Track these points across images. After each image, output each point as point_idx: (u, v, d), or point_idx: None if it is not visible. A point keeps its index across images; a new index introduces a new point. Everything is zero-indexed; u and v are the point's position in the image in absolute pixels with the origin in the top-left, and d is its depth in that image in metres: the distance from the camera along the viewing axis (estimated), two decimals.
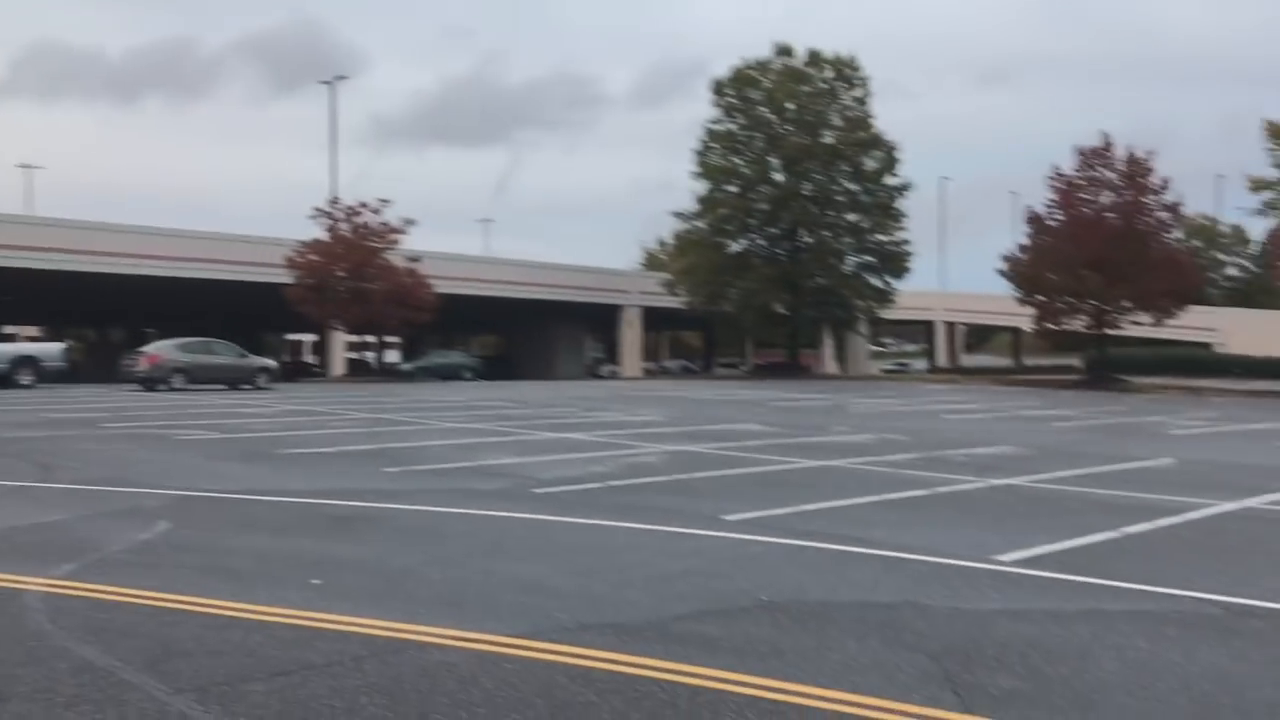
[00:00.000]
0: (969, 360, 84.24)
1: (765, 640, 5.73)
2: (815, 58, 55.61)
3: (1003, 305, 57.95)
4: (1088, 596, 6.99)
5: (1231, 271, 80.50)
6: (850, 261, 56.09)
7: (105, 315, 66.56)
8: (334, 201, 48.65)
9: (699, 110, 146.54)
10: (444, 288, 48.19)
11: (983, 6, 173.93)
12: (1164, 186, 44.20)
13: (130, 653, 5.29)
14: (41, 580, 6.85)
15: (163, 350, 34.97)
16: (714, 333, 74.91)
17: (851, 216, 55.48)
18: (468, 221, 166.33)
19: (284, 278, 45.28)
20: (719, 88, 56.41)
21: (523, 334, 65.57)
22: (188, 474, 12.49)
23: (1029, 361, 77.74)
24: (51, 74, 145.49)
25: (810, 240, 55.35)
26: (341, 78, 62.68)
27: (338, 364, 56.06)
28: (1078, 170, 44.84)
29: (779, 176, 54.94)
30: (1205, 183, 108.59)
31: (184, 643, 5.49)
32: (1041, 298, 45.04)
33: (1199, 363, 53.42)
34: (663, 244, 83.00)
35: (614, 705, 4.63)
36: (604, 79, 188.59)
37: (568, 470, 13.26)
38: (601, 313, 63.80)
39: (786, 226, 55.09)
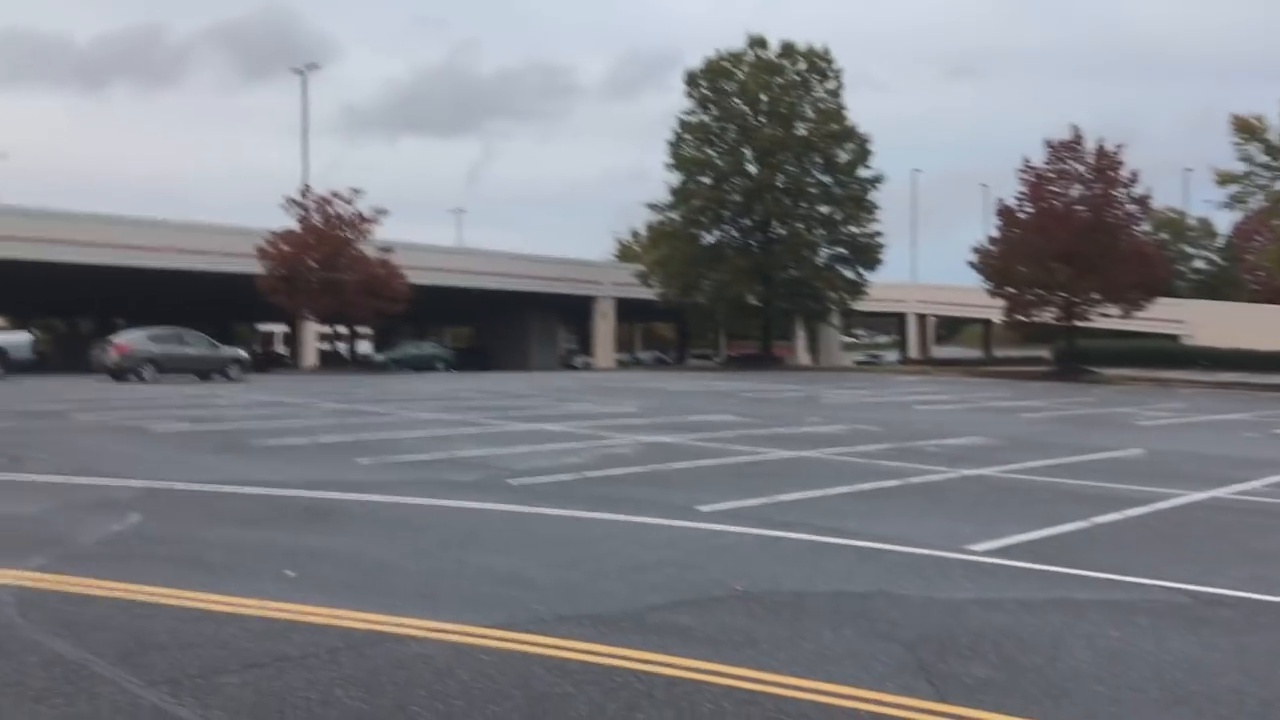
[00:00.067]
0: (940, 352, 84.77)
1: (741, 630, 5.75)
2: (788, 49, 55.66)
3: (974, 297, 58.30)
4: (1059, 586, 7.05)
5: (1199, 264, 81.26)
6: (823, 253, 56.23)
7: (73, 305, 65.79)
8: (305, 191, 48.37)
9: (672, 101, 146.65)
10: (417, 278, 47.99)
11: (954, 0, 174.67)
12: (1133, 180, 44.64)
13: (102, 645, 5.25)
14: (11, 573, 6.77)
15: (132, 340, 34.64)
16: (687, 324, 74.91)
17: (824, 208, 55.63)
18: (440, 212, 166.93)
19: (255, 268, 44.98)
20: (692, 79, 56.37)
21: (496, 325, 65.42)
22: (159, 465, 12.39)
23: (999, 353, 78.32)
24: (18, 61, 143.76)
25: (783, 232, 55.44)
26: (313, 66, 61.97)
27: (309, 355, 55.67)
28: (1048, 163, 45.19)
29: (752, 168, 54.99)
30: (1173, 176, 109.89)
31: (157, 635, 5.45)
32: (1012, 290, 45.36)
33: (1166, 354, 53.96)
34: (636, 235, 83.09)
35: (591, 696, 4.64)
36: (576, 69, 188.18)
37: (542, 461, 13.25)
38: (575, 304, 63.73)
39: (760, 218, 55.17)
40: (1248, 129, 37.31)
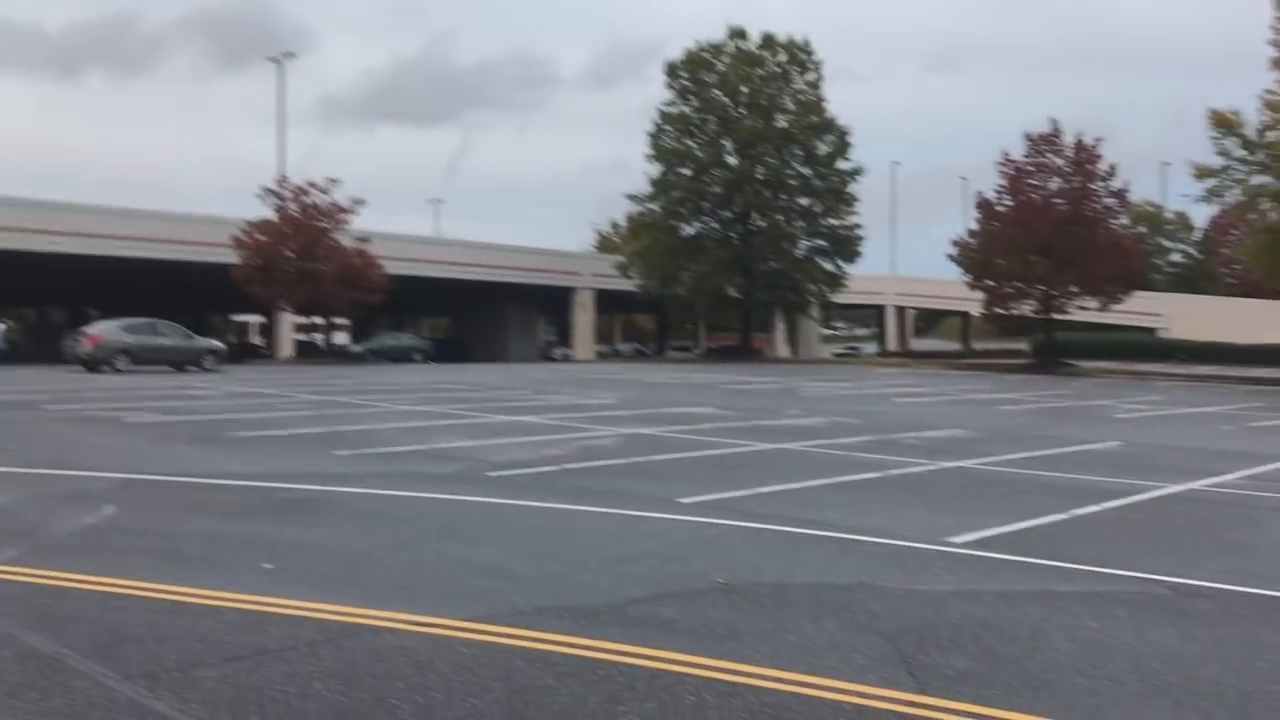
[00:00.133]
0: (919, 344, 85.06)
1: (722, 622, 5.74)
2: (769, 41, 55.68)
3: (952, 290, 58.55)
4: (1038, 578, 7.07)
5: (1175, 257, 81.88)
6: (802, 245, 56.34)
7: (46, 295, 65.20)
8: (282, 181, 48.06)
9: (652, 93, 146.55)
10: (394, 269, 47.76)
11: None
12: (1111, 173, 44.95)
13: (77, 639, 5.19)
14: None
15: (106, 331, 34.36)
16: (667, 316, 74.94)
17: (804, 200, 55.73)
18: (418, 202, 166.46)
19: (231, 258, 44.65)
20: (672, 70, 56.33)
21: (474, 316, 65.16)
22: (134, 457, 12.28)
23: (977, 346, 78.69)
24: None
25: (763, 224, 55.51)
26: (290, 55, 61.74)
27: (285, 346, 55.40)
28: (1027, 157, 45.42)
29: (732, 160, 55.03)
30: (1151, 170, 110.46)
31: (133, 628, 5.39)
32: (990, 282, 45.57)
33: (1143, 347, 54.39)
34: (616, 226, 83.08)
35: (572, 688, 4.61)
36: (556, 60, 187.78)
37: (521, 453, 13.21)
38: (554, 295, 63.58)
39: (739, 210, 55.21)
40: (1225, 123, 37.50)
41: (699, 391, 26.81)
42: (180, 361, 34.39)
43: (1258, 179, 38.37)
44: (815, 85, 55.96)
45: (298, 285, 45.26)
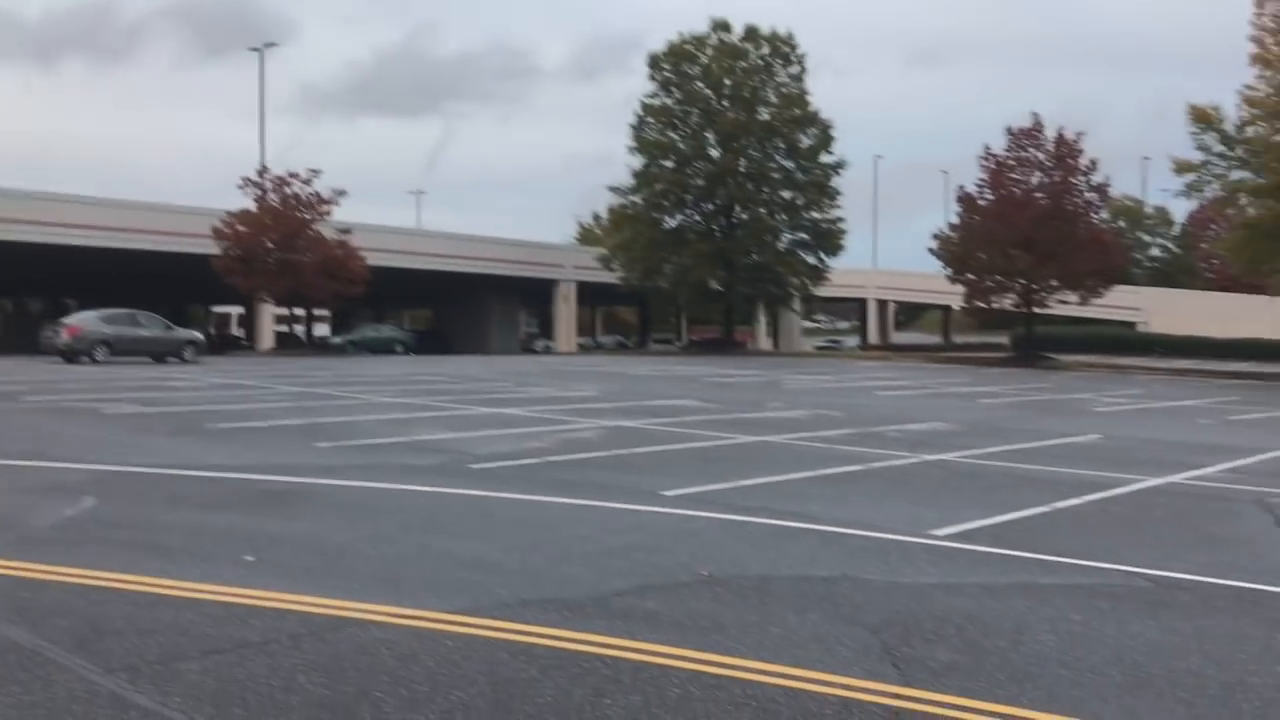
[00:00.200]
0: (900, 338, 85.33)
1: (707, 615, 5.74)
2: (752, 33, 55.60)
3: (934, 283, 58.65)
4: (1021, 570, 7.10)
5: (1155, 252, 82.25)
6: (785, 238, 56.31)
7: (23, 285, 64.65)
8: (263, 171, 47.75)
9: (635, 84, 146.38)
10: (375, 260, 47.56)
11: None
12: (1092, 168, 45.07)
13: (58, 632, 5.14)
14: None
15: (85, 322, 34.12)
16: (649, 308, 74.93)
17: (786, 193, 55.69)
18: (400, 193, 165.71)
19: (211, 249, 44.38)
20: (655, 62, 56.19)
21: (456, 308, 65.00)
22: (114, 449, 12.20)
23: (958, 339, 78.95)
24: None
25: (745, 217, 55.46)
26: (271, 44, 61.52)
27: (266, 337, 55.09)
28: (1008, 151, 45.50)
29: (715, 152, 54.94)
30: (1131, 165, 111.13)
31: (114, 621, 5.36)
32: (971, 276, 45.66)
33: (1123, 341, 54.68)
34: (598, 219, 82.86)
35: (557, 682, 4.60)
36: (538, 51, 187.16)
37: (504, 446, 13.18)
38: (536, 287, 63.48)
39: (722, 203, 55.16)
40: (1204, 119, 37.70)
41: (681, 384, 26.82)
42: (160, 353, 34.15)
43: (1237, 174, 38.63)
44: (798, 78, 55.93)
45: (278, 276, 45.03)
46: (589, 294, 67.28)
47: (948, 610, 5.94)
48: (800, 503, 9.38)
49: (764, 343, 69.16)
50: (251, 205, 46.07)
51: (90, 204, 45.92)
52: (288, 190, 46.53)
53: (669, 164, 55.08)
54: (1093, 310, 49.20)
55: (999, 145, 45.61)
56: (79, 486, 9.50)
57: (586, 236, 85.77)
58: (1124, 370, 41.02)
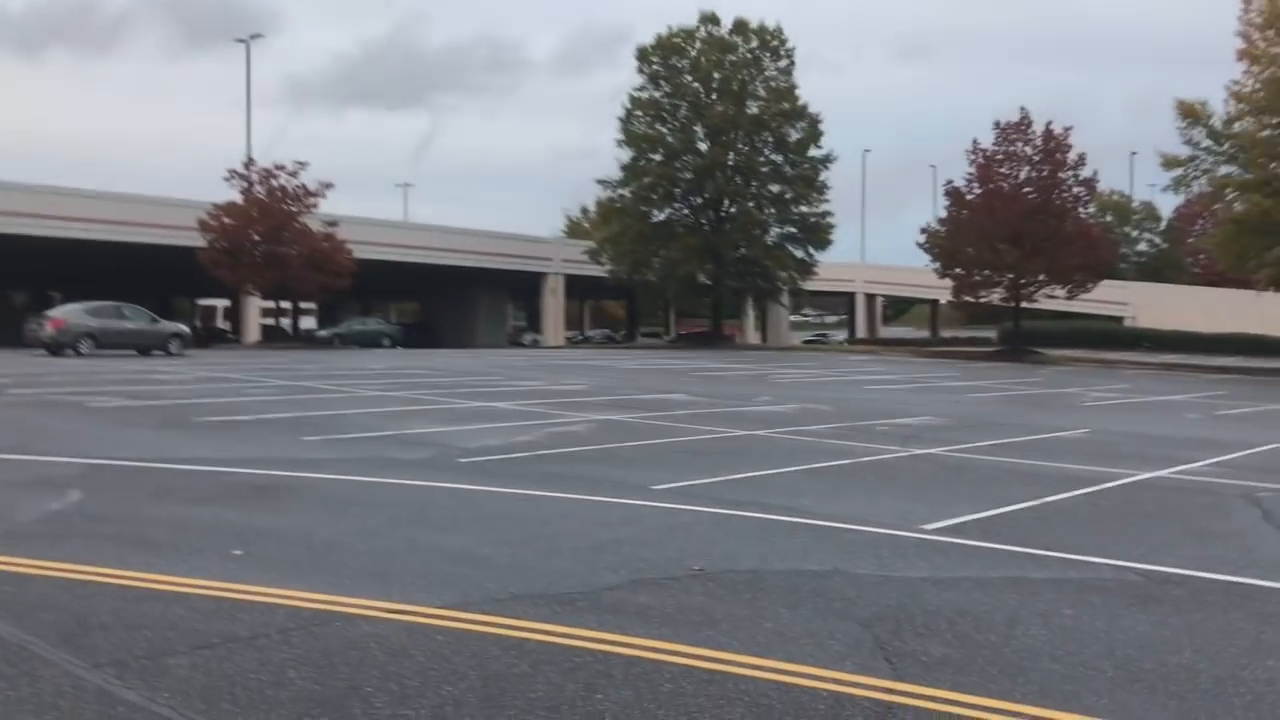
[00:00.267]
0: (887, 332, 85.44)
1: (699, 609, 5.71)
2: (740, 27, 55.60)
3: (922, 278, 58.79)
4: (1012, 565, 7.10)
5: (1142, 247, 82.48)
6: (773, 232, 56.41)
7: (7, 278, 64.21)
8: (249, 163, 47.59)
9: (624, 78, 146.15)
10: (363, 253, 47.44)
11: None
12: (1079, 162, 45.18)
13: (44, 627, 5.09)
14: None
15: (70, 314, 33.93)
16: (637, 302, 74.91)
17: (775, 187, 55.77)
18: (387, 186, 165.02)
19: (197, 241, 44.19)
20: (644, 55, 56.14)
21: (444, 301, 64.84)
22: (100, 442, 12.12)
23: (946, 333, 79.05)
24: None
25: (734, 210, 55.51)
26: (257, 36, 61.22)
27: (252, 330, 54.90)
28: (996, 145, 45.58)
29: (703, 146, 54.95)
30: (1119, 159, 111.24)
31: (101, 616, 5.31)
32: (959, 270, 45.76)
33: (1110, 336, 54.89)
34: (586, 212, 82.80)
35: (549, 676, 4.57)
36: (526, 43, 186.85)
37: (493, 439, 13.13)
38: (524, 280, 63.36)
39: (711, 196, 55.16)
40: (1192, 114, 37.79)
41: (670, 378, 26.80)
42: (145, 346, 34.00)
43: (1224, 169, 38.72)
44: (787, 72, 55.97)
45: (265, 269, 44.86)
46: (577, 287, 67.19)
47: (939, 604, 5.93)
48: (791, 497, 9.36)
49: (752, 337, 69.24)
50: (237, 197, 45.90)
51: (74, 196, 45.65)
52: (274, 183, 46.38)
53: (657, 157, 55.08)
54: (1080, 305, 49.39)
55: (987, 139, 45.75)
56: (64, 480, 9.43)
57: (575, 230, 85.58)
58: (1111, 365, 41.14)
